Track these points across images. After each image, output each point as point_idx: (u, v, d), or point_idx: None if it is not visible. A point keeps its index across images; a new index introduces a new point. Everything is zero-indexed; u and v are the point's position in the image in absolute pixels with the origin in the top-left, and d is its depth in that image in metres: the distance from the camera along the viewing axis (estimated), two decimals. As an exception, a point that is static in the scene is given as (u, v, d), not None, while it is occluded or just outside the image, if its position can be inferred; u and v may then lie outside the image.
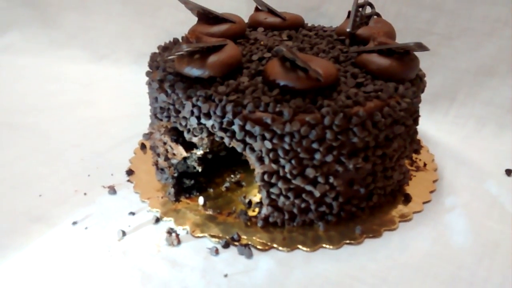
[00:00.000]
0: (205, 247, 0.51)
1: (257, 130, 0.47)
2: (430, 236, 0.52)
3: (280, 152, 0.48)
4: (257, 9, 0.70)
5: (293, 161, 0.49)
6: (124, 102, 0.84)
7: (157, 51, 0.62)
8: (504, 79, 0.75)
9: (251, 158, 0.50)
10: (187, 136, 0.53)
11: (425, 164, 0.64)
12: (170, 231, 0.52)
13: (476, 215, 0.55)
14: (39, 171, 0.64)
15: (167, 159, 0.57)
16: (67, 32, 1.07)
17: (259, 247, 0.50)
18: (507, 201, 0.58)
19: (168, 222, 0.54)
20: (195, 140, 0.52)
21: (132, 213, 0.56)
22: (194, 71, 0.51)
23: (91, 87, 0.93)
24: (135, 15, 1.01)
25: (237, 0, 0.86)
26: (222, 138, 0.50)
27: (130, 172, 0.63)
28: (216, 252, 0.50)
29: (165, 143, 0.56)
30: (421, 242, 0.51)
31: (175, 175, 0.58)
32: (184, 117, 0.52)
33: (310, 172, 0.49)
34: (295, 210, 0.52)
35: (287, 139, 0.47)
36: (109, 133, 0.73)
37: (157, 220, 0.55)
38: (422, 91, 0.57)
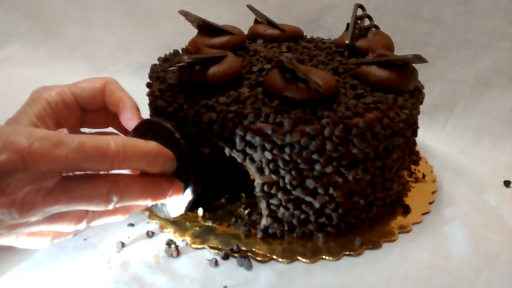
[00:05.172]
0: (205, 259, 0.50)
1: (257, 140, 0.47)
2: (430, 247, 0.52)
3: (280, 163, 0.48)
4: (256, 21, 0.71)
5: (293, 172, 0.49)
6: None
7: (157, 62, 0.62)
8: (502, 90, 0.76)
9: (251, 169, 0.50)
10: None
11: (424, 175, 0.64)
12: (169, 243, 0.52)
13: (475, 226, 0.55)
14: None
15: (166, 170, 0.57)
16: (67, 44, 1.07)
17: (258, 258, 0.50)
18: (506, 212, 0.58)
19: (167, 234, 0.54)
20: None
21: (131, 225, 0.56)
22: (195, 82, 0.51)
23: (91, 98, 0.93)
24: (135, 27, 1.01)
25: (236, 12, 0.87)
26: (222, 148, 0.50)
27: (129, 183, 0.63)
28: (216, 263, 0.50)
29: (164, 154, 0.56)
30: (421, 253, 0.51)
31: (175, 186, 0.57)
32: (185, 128, 0.52)
33: (310, 183, 0.49)
34: (294, 221, 0.52)
35: (287, 150, 0.47)
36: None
37: (156, 231, 0.54)
38: (421, 103, 0.57)
